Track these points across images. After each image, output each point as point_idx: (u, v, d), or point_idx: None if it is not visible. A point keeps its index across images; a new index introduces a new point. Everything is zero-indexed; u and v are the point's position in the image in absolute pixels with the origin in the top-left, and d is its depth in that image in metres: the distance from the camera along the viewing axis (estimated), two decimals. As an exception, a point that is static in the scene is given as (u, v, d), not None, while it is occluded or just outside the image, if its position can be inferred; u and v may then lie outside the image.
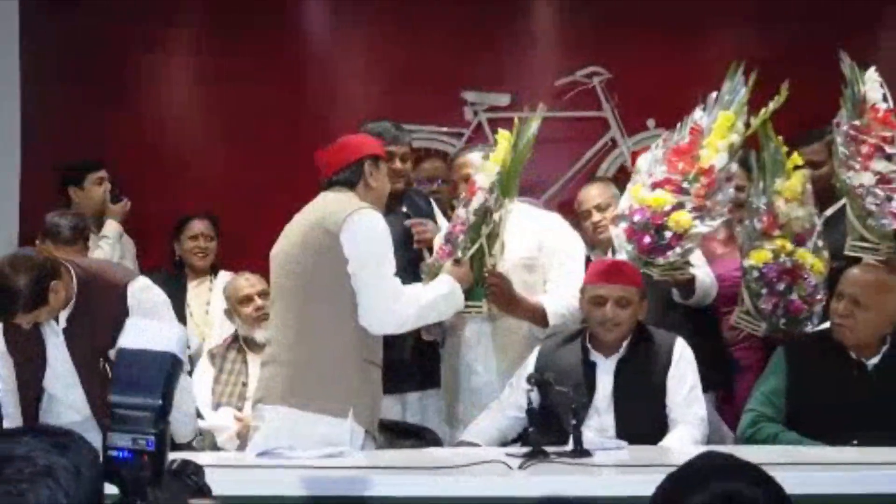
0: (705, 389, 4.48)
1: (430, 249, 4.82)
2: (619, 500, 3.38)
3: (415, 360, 4.98)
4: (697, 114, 4.63)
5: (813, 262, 4.59)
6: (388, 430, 4.51)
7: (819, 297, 4.61)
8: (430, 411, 5.06)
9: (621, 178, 5.63)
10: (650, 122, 7.03)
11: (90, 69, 7.28)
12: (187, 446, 4.53)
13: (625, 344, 4.45)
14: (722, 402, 5.01)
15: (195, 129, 7.51)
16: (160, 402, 2.24)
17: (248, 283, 5.47)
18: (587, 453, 3.90)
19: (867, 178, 4.33)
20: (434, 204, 5.32)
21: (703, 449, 3.91)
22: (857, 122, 4.43)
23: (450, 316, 4.47)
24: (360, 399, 4.12)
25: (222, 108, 7.40)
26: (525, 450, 3.94)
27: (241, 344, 5.40)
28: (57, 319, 4.27)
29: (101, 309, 4.22)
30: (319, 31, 7.73)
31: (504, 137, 4.55)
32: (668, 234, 4.42)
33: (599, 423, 4.36)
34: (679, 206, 4.44)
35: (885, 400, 4.25)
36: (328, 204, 4.23)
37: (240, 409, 5.17)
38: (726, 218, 4.93)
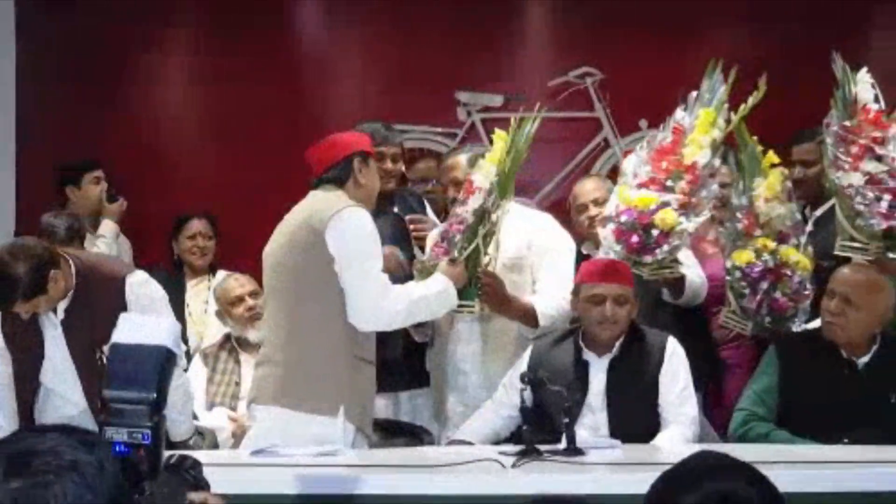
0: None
1: (423, 249, 4.84)
2: (612, 498, 3.38)
3: (405, 360, 4.97)
4: (679, 114, 4.65)
5: (798, 258, 4.60)
6: (382, 428, 4.52)
7: (806, 293, 4.62)
8: (420, 410, 5.06)
9: (614, 178, 5.63)
10: (643, 123, 7.01)
11: (86, 69, 7.29)
12: (183, 445, 4.52)
13: (618, 343, 4.46)
14: (711, 402, 5.02)
15: (191, 129, 7.53)
16: (154, 395, 2.27)
17: (238, 283, 5.48)
18: (580, 452, 3.91)
19: (856, 179, 4.34)
20: (427, 204, 5.32)
21: (694, 447, 3.95)
22: (847, 123, 4.44)
23: (442, 314, 4.48)
24: (351, 397, 4.11)
25: (218, 108, 7.40)
26: (518, 448, 3.95)
27: (232, 344, 5.40)
28: (55, 311, 4.27)
29: (99, 301, 4.22)
30: (315, 32, 7.74)
31: (500, 138, 4.56)
32: (654, 233, 4.43)
33: (593, 421, 4.37)
34: (664, 204, 4.46)
35: (876, 398, 4.27)
36: (315, 203, 4.23)
37: (233, 409, 5.18)
38: (710, 214, 4.97)
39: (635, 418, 4.37)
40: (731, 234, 4.70)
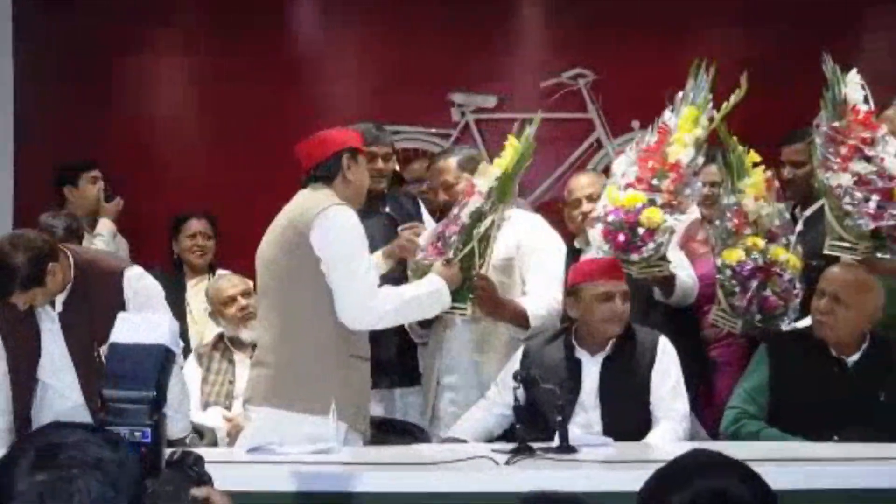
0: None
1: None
2: (604, 495, 3.38)
3: (398, 358, 5.01)
4: (666, 114, 4.68)
5: (787, 257, 4.61)
6: (377, 426, 4.52)
7: (795, 291, 4.63)
8: (412, 408, 5.08)
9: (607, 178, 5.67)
10: (635, 124, 7.02)
11: (85, 69, 7.31)
12: (180, 443, 4.53)
13: (611, 342, 4.49)
14: (702, 402, 5.04)
15: (188, 129, 7.55)
16: (154, 393, 2.29)
17: (230, 283, 5.50)
18: (573, 449, 3.93)
19: (845, 179, 4.34)
20: (422, 204, 5.31)
21: (686, 445, 3.99)
22: (836, 124, 4.45)
23: (434, 315, 4.48)
24: (343, 395, 4.10)
25: (215, 108, 7.42)
26: (511, 446, 3.98)
27: (226, 344, 5.41)
28: (53, 305, 4.27)
29: (97, 296, 4.23)
30: (311, 33, 7.77)
31: (512, 144, 4.53)
32: (641, 231, 4.45)
33: (586, 419, 4.40)
34: (650, 202, 4.49)
35: (865, 397, 4.30)
36: (301, 202, 4.22)
37: (228, 409, 5.19)
38: (698, 213, 5.00)
39: (628, 416, 4.40)
40: (722, 232, 4.69)
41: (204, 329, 5.84)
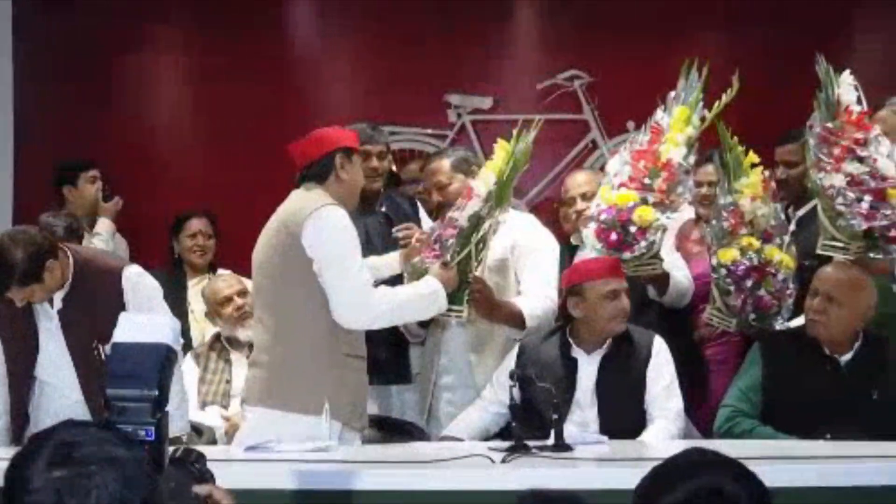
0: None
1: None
2: (599, 492, 3.34)
3: (393, 357, 5.02)
4: (658, 114, 4.70)
5: (781, 257, 4.63)
6: (374, 424, 4.53)
7: (789, 291, 4.65)
8: (409, 406, 5.10)
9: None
10: (630, 125, 7.03)
11: (84, 68, 7.31)
12: (177, 441, 4.54)
13: (608, 340, 4.52)
14: (695, 403, 5.05)
15: (187, 128, 7.56)
16: (156, 392, 2.31)
17: (225, 283, 5.51)
18: (568, 447, 3.94)
19: (838, 180, 4.36)
20: (420, 205, 5.31)
21: (681, 443, 4.01)
22: (829, 125, 4.46)
23: (430, 317, 4.50)
24: (337, 394, 4.09)
25: (214, 107, 7.43)
26: (507, 444, 3.99)
27: (222, 344, 5.42)
28: (51, 303, 4.29)
29: (96, 293, 4.26)
30: (308, 33, 7.77)
31: (503, 147, 4.55)
32: (633, 229, 4.47)
33: (582, 417, 4.42)
34: (643, 201, 4.51)
35: (858, 395, 4.32)
36: (293, 203, 4.21)
37: (225, 408, 5.21)
38: (691, 216, 5.02)
39: (624, 415, 4.42)
40: (717, 232, 4.71)
41: (205, 328, 5.82)
